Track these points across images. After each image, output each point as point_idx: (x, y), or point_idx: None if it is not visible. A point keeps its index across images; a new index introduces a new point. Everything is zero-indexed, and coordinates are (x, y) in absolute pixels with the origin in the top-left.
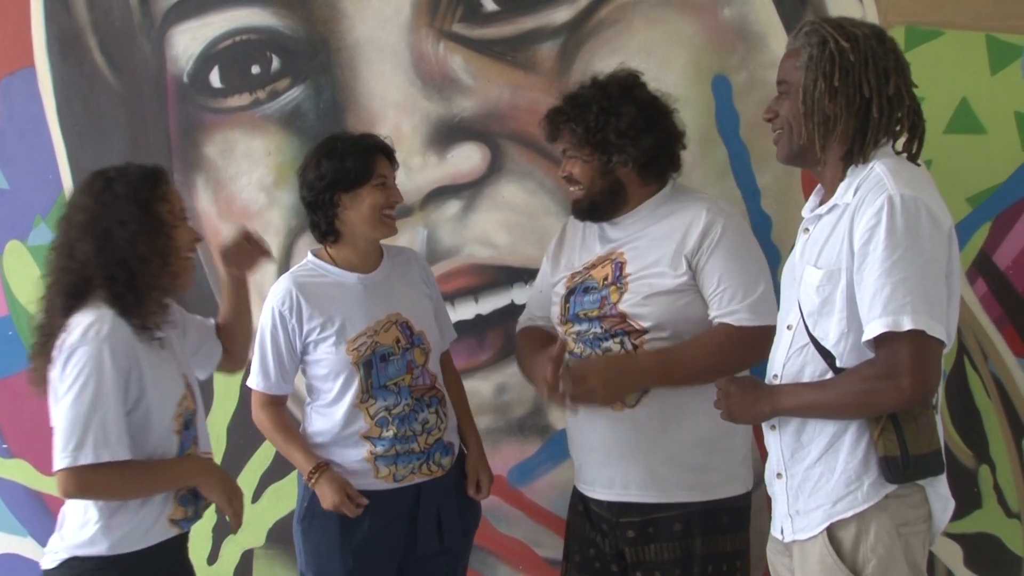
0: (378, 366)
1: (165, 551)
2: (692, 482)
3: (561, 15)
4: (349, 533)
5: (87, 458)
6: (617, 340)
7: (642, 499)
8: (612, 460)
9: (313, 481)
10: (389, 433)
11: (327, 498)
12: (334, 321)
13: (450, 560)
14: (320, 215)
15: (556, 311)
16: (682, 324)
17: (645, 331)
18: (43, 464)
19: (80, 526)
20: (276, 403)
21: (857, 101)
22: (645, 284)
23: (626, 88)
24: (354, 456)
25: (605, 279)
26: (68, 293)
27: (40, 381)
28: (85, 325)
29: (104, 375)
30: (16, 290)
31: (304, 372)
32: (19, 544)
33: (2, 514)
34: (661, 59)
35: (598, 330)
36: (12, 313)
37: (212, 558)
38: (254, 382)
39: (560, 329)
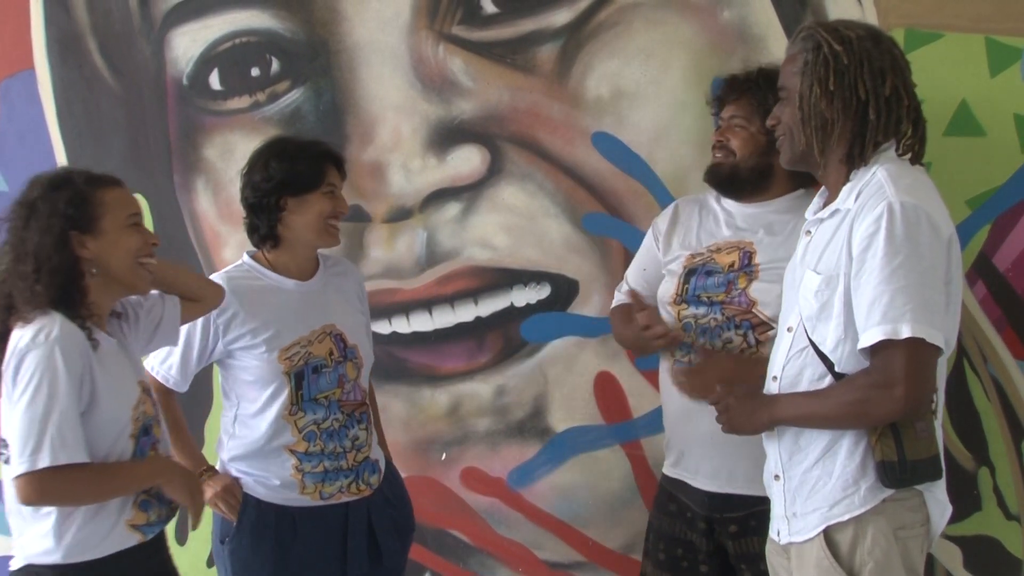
0: (309, 378)
1: (128, 560)
2: None
3: (561, 17)
4: (280, 554)
5: (44, 461)
6: (740, 332)
7: (747, 491)
8: (719, 451)
9: (203, 478)
10: (317, 448)
11: (211, 489)
12: (268, 327)
13: None
14: (262, 218)
15: (670, 290)
16: None
17: (770, 326)
18: None
19: (36, 533)
20: (168, 392)
21: (853, 104)
22: (779, 275)
23: None
24: (278, 470)
25: (731, 265)
26: (10, 298)
27: None
28: (35, 329)
29: (57, 377)
30: None
31: (225, 378)
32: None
33: None
34: (661, 61)
35: (719, 316)
36: None
37: (211, 560)
38: (151, 363)
39: (670, 310)
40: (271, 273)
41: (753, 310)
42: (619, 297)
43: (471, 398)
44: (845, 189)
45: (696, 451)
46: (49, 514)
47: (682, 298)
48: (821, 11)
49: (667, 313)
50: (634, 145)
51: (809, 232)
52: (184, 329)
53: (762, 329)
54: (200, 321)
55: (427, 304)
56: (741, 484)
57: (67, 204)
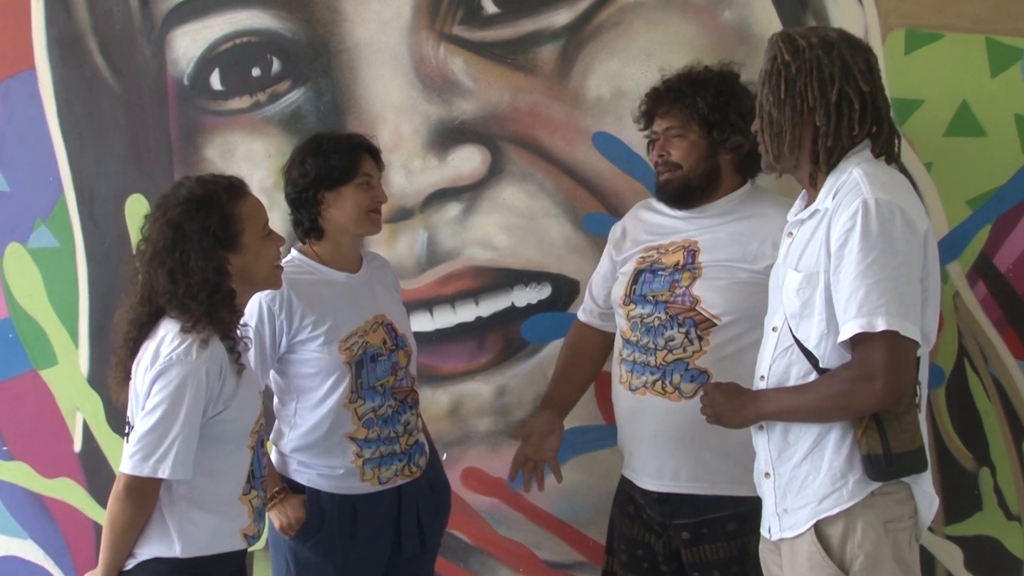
0: (368, 367)
1: (233, 561)
2: (741, 477)
3: (561, 18)
4: (342, 545)
5: (165, 472)
6: (683, 329)
7: (691, 490)
8: (664, 450)
9: (274, 503)
10: (374, 435)
11: (287, 517)
12: (325, 320)
13: (428, 559)
14: (303, 213)
15: (620, 291)
16: (753, 318)
17: (714, 323)
18: (43, 467)
19: (158, 531)
20: None
21: (804, 111)
22: (722, 271)
23: (736, 78)
24: (341, 459)
25: (676, 264)
26: (151, 313)
27: (123, 387)
28: (188, 342)
29: (196, 396)
30: (16, 293)
31: (283, 372)
32: (20, 547)
33: (2, 516)
34: (661, 62)
35: (663, 316)
36: (12, 316)
37: None
38: None
39: (621, 311)
40: (321, 267)
41: (697, 307)
42: (583, 316)
43: (472, 398)
44: (823, 190)
45: (641, 451)
46: (172, 512)
47: (630, 298)
48: (821, 11)
49: (619, 315)
50: (635, 145)
51: (791, 233)
52: (252, 333)
53: (705, 326)
54: (266, 320)
55: (428, 304)
56: (685, 483)
57: (217, 227)
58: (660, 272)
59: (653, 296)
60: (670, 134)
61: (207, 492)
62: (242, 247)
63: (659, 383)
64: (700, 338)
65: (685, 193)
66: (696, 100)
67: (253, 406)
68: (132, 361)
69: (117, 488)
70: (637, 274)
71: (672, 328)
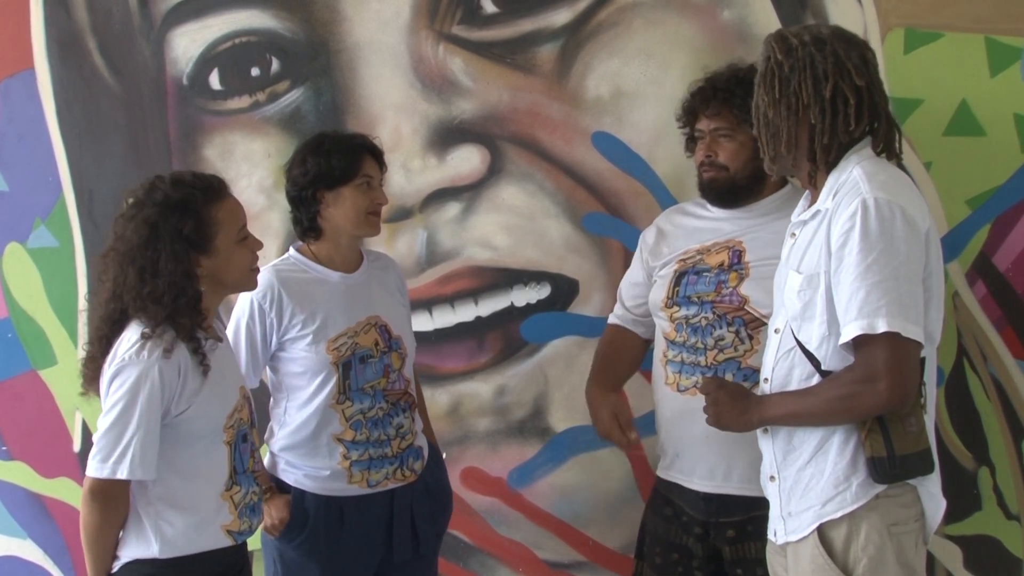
0: (357, 368)
1: (221, 558)
2: None
3: (560, 17)
4: (328, 546)
5: (123, 473)
6: (732, 329)
7: (744, 492)
8: (716, 451)
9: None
10: (363, 437)
11: (271, 517)
12: (315, 318)
13: (424, 565)
14: (302, 211)
15: (660, 294)
16: None
17: (763, 322)
18: (42, 467)
19: (136, 532)
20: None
21: (798, 109)
22: (770, 271)
23: None
24: (327, 460)
25: (721, 264)
26: (122, 310)
27: (92, 383)
28: (143, 343)
29: (151, 396)
30: (16, 292)
31: (275, 370)
32: (19, 547)
33: (2, 516)
34: (661, 61)
35: (710, 315)
36: (12, 315)
37: None
38: None
39: (662, 314)
40: (316, 266)
41: (746, 307)
42: (615, 320)
43: (471, 398)
44: (824, 190)
45: (691, 452)
46: (146, 511)
47: (673, 300)
48: (821, 11)
49: (659, 318)
50: (634, 145)
51: (794, 234)
52: (243, 330)
53: (755, 325)
54: (256, 317)
55: (427, 304)
56: (736, 484)
57: (191, 230)
58: (704, 273)
59: (698, 297)
60: (718, 135)
61: (182, 491)
62: (214, 250)
63: None
64: (751, 337)
65: (731, 192)
66: (748, 102)
67: (222, 401)
68: (104, 359)
69: (84, 491)
70: (679, 276)
71: (721, 327)
